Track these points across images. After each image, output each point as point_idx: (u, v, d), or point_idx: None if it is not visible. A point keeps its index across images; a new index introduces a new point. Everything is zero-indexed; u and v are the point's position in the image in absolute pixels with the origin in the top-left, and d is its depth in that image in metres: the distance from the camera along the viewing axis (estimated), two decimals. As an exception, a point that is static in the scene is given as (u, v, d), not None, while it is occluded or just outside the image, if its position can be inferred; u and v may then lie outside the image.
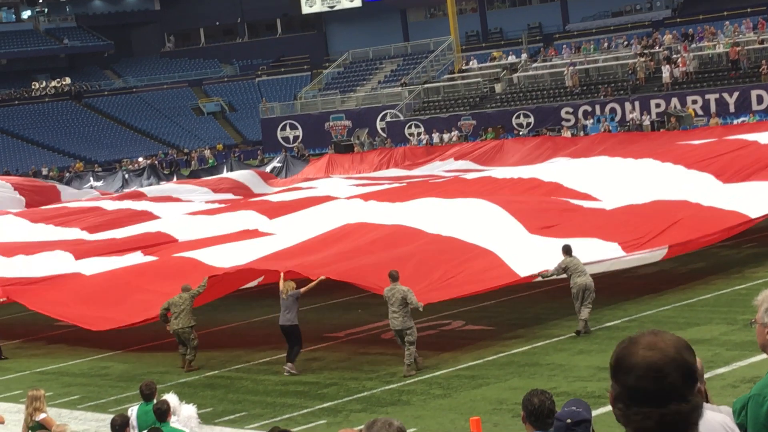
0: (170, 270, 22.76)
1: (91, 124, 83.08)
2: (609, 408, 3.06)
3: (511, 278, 19.91)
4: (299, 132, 65.05)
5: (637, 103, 50.52)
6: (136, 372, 20.03)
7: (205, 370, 19.88)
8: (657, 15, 70.07)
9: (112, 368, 20.92)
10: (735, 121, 45.70)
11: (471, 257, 20.28)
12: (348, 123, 63.33)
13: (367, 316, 22.04)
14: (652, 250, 21.52)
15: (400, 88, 64.02)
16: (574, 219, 23.10)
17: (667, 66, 51.85)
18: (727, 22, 57.14)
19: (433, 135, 55.15)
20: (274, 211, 29.40)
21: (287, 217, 27.81)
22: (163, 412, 11.77)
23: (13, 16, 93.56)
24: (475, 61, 65.33)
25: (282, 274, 19.53)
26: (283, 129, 65.84)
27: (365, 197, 28.64)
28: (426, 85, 63.28)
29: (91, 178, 57.52)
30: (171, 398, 12.37)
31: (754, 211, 23.22)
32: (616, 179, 27.07)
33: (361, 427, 4.08)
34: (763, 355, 4.80)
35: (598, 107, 51.89)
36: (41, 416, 13.02)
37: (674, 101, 49.42)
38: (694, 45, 54.33)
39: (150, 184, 52.75)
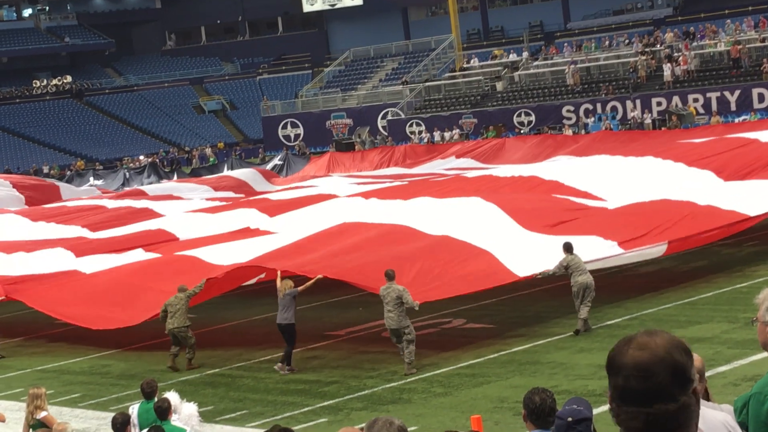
0: (171, 269, 22.77)
1: (92, 122, 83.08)
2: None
3: (507, 278, 19.91)
4: (300, 130, 65.03)
5: (638, 102, 50.48)
6: (137, 370, 20.04)
7: (205, 368, 19.89)
8: (658, 13, 70.04)
9: (113, 366, 20.93)
10: (736, 120, 45.66)
11: (468, 257, 20.27)
12: (349, 121, 63.31)
13: (368, 315, 22.03)
14: (652, 246, 21.53)
15: (401, 86, 63.99)
16: (573, 217, 23.10)
17: (669, 64, 51.81)
18: (729, 21, 57.10)
19: (434, 133, 55.12)
20: (275, 209, 29.42)
21: (287, 215, 27.82)
22: (164, 411, 11.77)
23: (14, 14, 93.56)
24: (476, 59, 65.29)
25: (279, 273, 19.57)
26: (284, 127, 65.82)
27: (366, 195, 28.64)
28: (427, 84, 63.25)
29: (92, 177, 57.50)
30: (172, 396, 12.37)
31: (753, 210, 23.21)
32: (617, 178, 27.06)
33: (362, 425, 4.08)
34: (765, 354, 4.81)
35: (599, 105, 51.85)
36: (42, 414, 13.02)
37: (675, 99, 49.38)
38: (695, 43, 54.30)
39: (151, 183, 52.77)
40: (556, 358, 17.73)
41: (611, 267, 22.92)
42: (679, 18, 66.78)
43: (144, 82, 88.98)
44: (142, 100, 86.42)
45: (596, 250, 20.81)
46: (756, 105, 47.59)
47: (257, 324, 23.32)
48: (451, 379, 17.27)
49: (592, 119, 51.10)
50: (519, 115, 54.31)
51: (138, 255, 25.45)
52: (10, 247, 28.35)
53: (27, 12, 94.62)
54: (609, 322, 19.82)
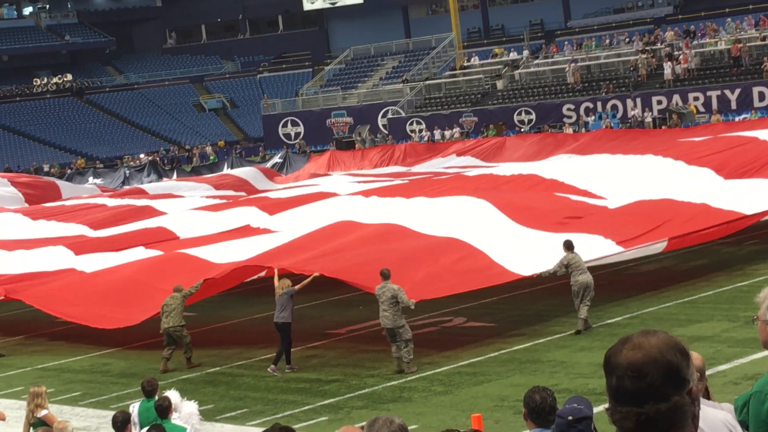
0: (171, 267, 22.77)
1: (93, 120, 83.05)
2: (610, 406, 3.05)
3: (506, 277, 19.90)
4: (300, 129, 65.01)
5: (638, 100, 50.47)
6: (138, 369, 20.05)
7: (206, 367, 19.90)
8: (659, 12, 70.01)
9: (113, 365, 20.93)
10: (737, 118, 45.64)
11: (465, 255, 20.25)
12: (349, 120, 63.28)
13: (369, 313, 22.02)
14: (651, 243, 21.53)
15: (401, 84, 63.96)
16: (573, 216, 23.09)
17: (669, 63, 51.79)
18: (729, 19, 57.07)
19: (434, 132, 55.10)
20: (275, 207, 29.44)
21: (287, 213, 27.83)
22: (164, 409, 11.77)
23: (15, 12, 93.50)
24: (476, 57, 65.28)
25: (276, 271, 19.59)
26: (285, 125, 65.80)
27: (366, 194, 28.66)
28: (427, 82, 63.23)
29: (91, 177, 57.50)
30: (172, 395, 12.37)
31: (754, 208, 23.19)
32: (617, 176, 27.06)
33: (363, 424, 4.08)
34: (765, 352, 4.81)
35: (599, 104, 51.84)
36: (43, 413, 13.02)
37: (676, 98, 49.36)
38: (695, 42, 54.28)
39: (151, 181, 52.79)
40: (556, 357, 17.73)
41: (612, 265, 22.94)
42: (680, 16, 66.76)
43: (144, 81, 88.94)
44: (142, 99, 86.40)
45: (596, 249, 20.80)
46: (756, 103, 47.56)
47: (258, 322, 23.31)
48: (451, 377, 17.27)
49: (593, 118, 51.10)
50: (519, 114, 54.29)
51: (138, 253, 25.45)
52: (9, 246, 28.36)
53: (27, 10, 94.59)
54: (609, 321, 19.82)
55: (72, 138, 78.92)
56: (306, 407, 16.49)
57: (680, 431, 2.85)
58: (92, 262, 25.18)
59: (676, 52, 53.22)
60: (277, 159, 54.77)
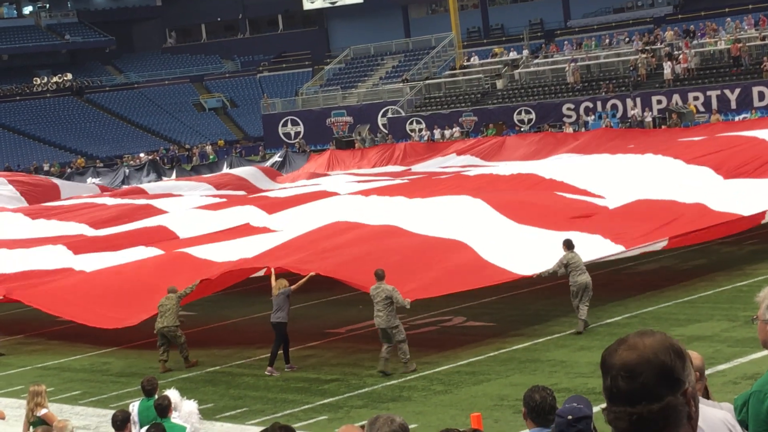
0: (171, 267, 22.77)
1: (93, 119, 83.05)
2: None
3: (504, 276, 19.88)
4: (300, 128, 65.02)
5: (638, 100, 50.49)
6: (137, 368, 20.05)
7: (206, 366, 19.90)
8: (658, 11, 70.03)
9: (113, 364, 20.94)
10: (736, 118, 45.65)
11: (460, 256, 20.24)
12: (349, 119, 63.29)
13: (369, 313, 21.97)
14: (651, 243, 21.54)
15: (401, 84, 63.97)
16: (573, 215, 23.09)
17: (669, 62, 51.80)
18: (729, 19, 57.07)
19: (434, 131, 55.11)
20: (274, 206, 29.44)
21: (286, 213, 27.84)
22: (164, 408, 11.77)
23: (15, 11, 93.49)
24: (476, 57, 65.30)
25: (273, 271, 19.60)
26: (285, 125, 65.81)
27: (366, 193, 28.67)
28: (427, 81, 63.24)
29: (91, 175, 57.50)
30: (172, 394, 12.37)
31: (754, 209, 23.17)
32: (616, 175, 27.05)
33: (364, 423, 4.09)
34: (765, 352, 4.81)
35: (599, 103, 51.85)
36: (42, 411, 13.02)
37: (675, 98, 49.37)
38: (695, 41, 54.28)
39: (150, 180, 52.79)
40: (556, 356, 17.74)
41: (611, 265, 22.94)
42: (680, 16, 66.77)
43: (144, 80, 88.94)
44: (142, 98, 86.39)
45: (596, 249, 20.79)
46: (756, 103, 47.57)
47: (257, 321, 23.30)
48: (451, 376, 17.28)
49: (593, 117, 51.11)
50: (519, 113, 54.29)
51: (138, 253, 25.45)
52: (9, 245, 28.36)
53: (27, 9, 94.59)
54: (609, 321, 19.82)
55: (72, 137, 78.93)
56: (305, 406, 16.50)
57: (674, 431, 2.86)
58: (92, 262, 25.18)
59: (675, 52, 53.23)
60: (276, 158, 54.78)
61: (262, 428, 7.59)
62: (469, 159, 43.55)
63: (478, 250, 20.40)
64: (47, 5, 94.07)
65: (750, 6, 61.58)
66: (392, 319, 17.80)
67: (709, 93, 48.87)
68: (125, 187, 48.54)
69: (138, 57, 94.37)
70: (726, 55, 52.14)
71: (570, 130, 49.25)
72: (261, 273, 22.12)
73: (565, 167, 29.43)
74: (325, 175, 44.62)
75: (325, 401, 16.68)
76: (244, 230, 26.49)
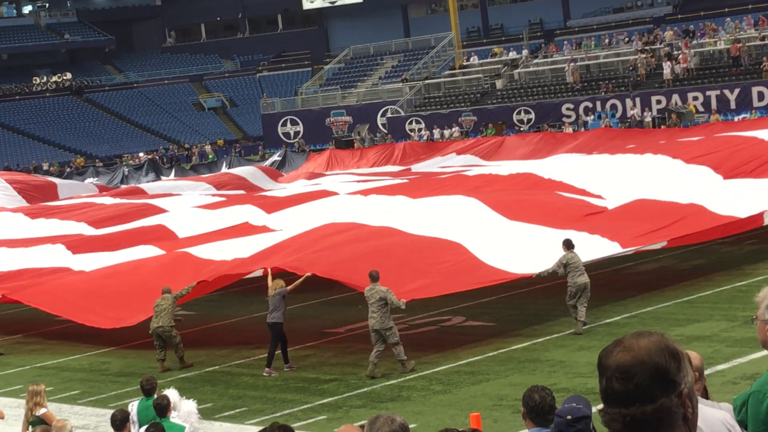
0: (170, 266, 22.75)
1: (92, 119, 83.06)
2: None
3: (502, 276, 19.87)
4: (300, 128, 65.03)
5: (637, 100, 50.50)
6: (136, 367, 20.04)
7: (205, 366, 19.89)
8: (658, 11, 70.03)
9: (112, 363, 20.93)
10: (736, 118, 45.66)
11: (456, 256, 20.22)
12: (349, 119, 63.30)
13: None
14: (651, 243, 21.54)
15: (401, 83, 63.98)
16: (572, 215, 23.08)
17: (668, 62, 51.80)
18: (728, 19, 57.08)
19: (433, 131, 55.12)
20: (273, 206, 29.43)
21: (285, 212, 27.83)
22: (163, 408, 11.77)
23: (14, 10, 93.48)
24: (475, 57, 65.31)
25: (270, 272, 19.59)
26: (284, 124, 65.82)
27: (365, 193, 28.66)
28: (427, 81, 63.25)
29: (91, 175, 57.49)
30: (171, 393, 12.37)
31: (754, 209, 23.16)
32: (615, 175, 27.04)
33: (363, 422, 4.09)
34: (764, 352, 4.81)
35: (598, 103, 51.86)
36: (41, 411, 13.02)
37: (675, 98, 49.39)
38: (695, 41, 54.29)
39: (149, 180, 52.77)
40: (555, 356, 17.73)
41: (611, 265, 22.93)
42: (679, 16, 66.77)
43: (144, 79, 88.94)
44: (141, 97, 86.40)
45: (596, 249, 20.77)
46: (755, 103, 47.59)
47: (256, 321, 23.27)
48: (450, 376, 17.27)
49: (592, 117, 51.13)
50: (519, 113, 54.31)
51: (137, 252, 25.44)
52: (8, 244, 28.35)
53: (27, 9, 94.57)
54: (608, 321, 19.81)
55: (71, 137, 78.93)
56: (305, 406, 16.49)
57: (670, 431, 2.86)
58: (91, 261, 25.17)
59: (675, 52, 53.24)
60: (276, 158, 54.79)
61: (261, 428, 7.58)
62: (468, 159, 43.54)
63: (474, 250, 20.38)
64: (47, 5, 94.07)
65: (750, 6, 61.59)
66: (386, 321, 17.78)
67: (708, 93, 48.88)
68: (124, 186, 48.52)
69: (137, 56, 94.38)
70: (725, 55, 52.15)
71: (569, 130, 49.26)
72: (259, 273, 22.15)
73: (564, 167, 29.42)
74: (325, 174, 44.60)
75: (324, 401, 16.67)
76: (244, 229, 26.47)
